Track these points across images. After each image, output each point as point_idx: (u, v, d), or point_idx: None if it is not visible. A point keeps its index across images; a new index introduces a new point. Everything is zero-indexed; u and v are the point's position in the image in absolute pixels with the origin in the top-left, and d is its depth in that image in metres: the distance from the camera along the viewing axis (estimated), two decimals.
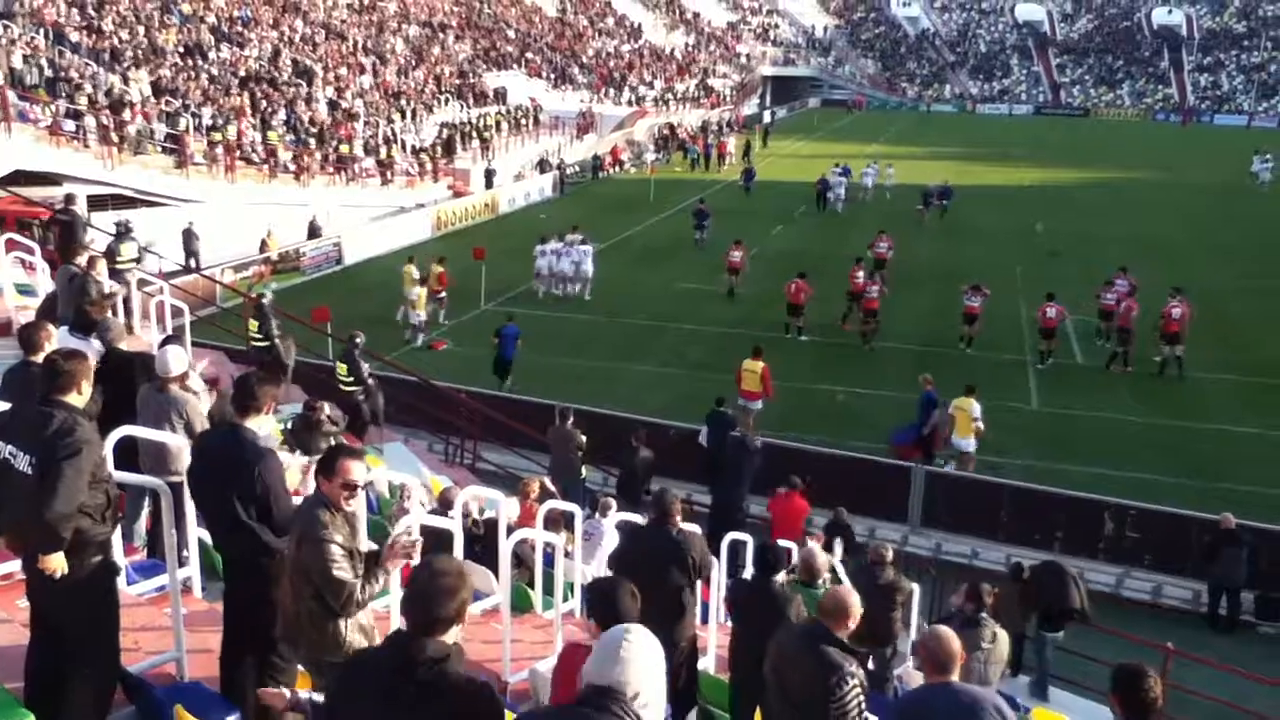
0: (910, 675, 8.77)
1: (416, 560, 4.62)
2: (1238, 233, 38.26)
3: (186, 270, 22.24)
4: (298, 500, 5.30)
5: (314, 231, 30.68)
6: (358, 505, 4.94)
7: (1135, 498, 15.48)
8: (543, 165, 46.88)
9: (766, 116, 76.97)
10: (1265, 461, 18.21)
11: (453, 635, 3.54)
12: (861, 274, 24.74)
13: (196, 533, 6.23)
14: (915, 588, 10.32)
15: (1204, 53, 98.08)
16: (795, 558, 9.39)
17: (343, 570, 4.55)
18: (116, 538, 5.32)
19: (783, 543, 10.29)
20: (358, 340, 14.58)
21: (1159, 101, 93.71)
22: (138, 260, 14.43)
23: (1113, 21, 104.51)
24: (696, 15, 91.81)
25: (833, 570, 9.77)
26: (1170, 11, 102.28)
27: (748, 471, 14.26)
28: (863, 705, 5.05)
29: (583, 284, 27.51)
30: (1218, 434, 19.25)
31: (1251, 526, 14.16)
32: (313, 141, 34.26)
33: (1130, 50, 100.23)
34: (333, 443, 9.89)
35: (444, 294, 24.69)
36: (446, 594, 3.53)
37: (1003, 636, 7.25)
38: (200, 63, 34.56)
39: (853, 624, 5.22)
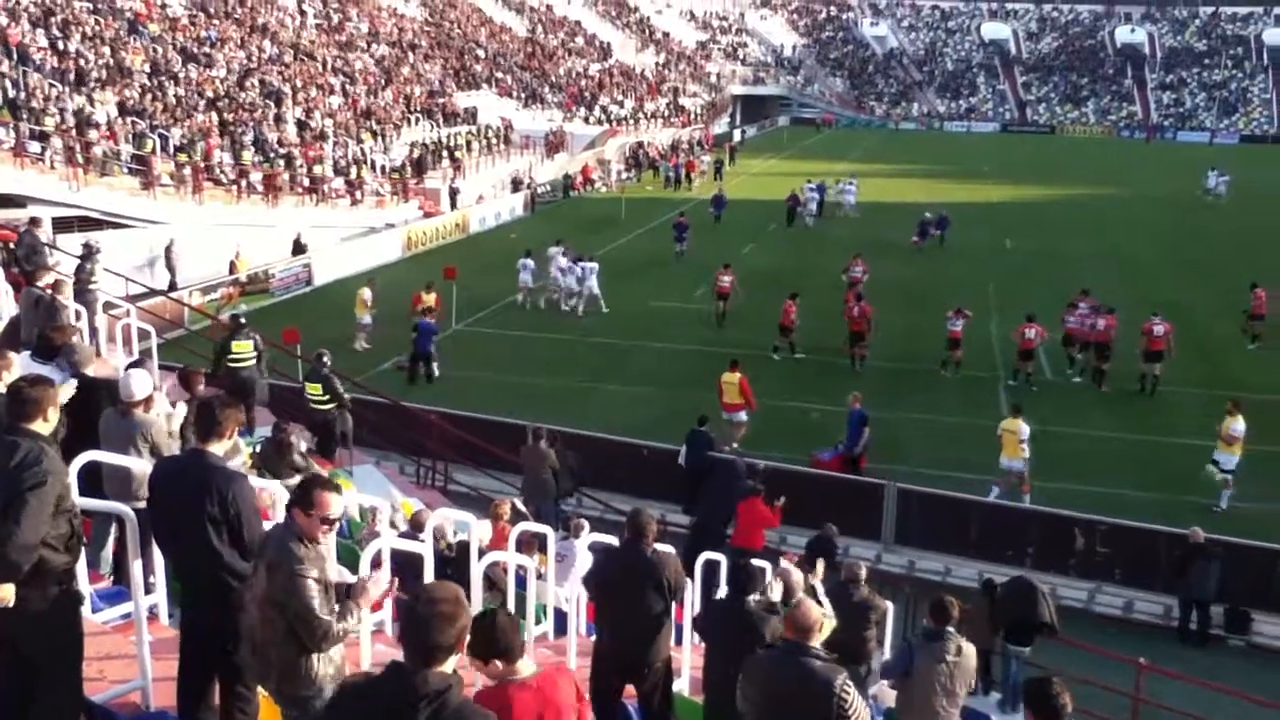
0: (885, 694, 8.76)
1: (387, 598, 4.56)
2: (1202, 247, 38.77)
3: (154, 292, 22.03)
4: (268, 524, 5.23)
5: (299, 248, 31.01)
6: (330, 536, 4.88)
7: (1105, 513, 15.58)
8: (515, 184, 46.89)
9: (737, 135, 77.36)
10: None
11: (452, 664, 3.48)
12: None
13: (162, 559, 6.14)
14: (889, 606, 10.32)
15: (1166, 70, 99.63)
16: (770, 576, 9.38)
17: (320, 608, 4.47)
18: (81, 565, 5.24)
19: (756, 562, 10.27)
20: (325, 359, 14.50)
21: (1123, 119, 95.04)
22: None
23: (1077, 40, 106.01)
24: (666, 35, 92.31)
25: (812, 590, 9.76)
26: (1133, 30, 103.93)
27: (735, 494, 14.20)
28: (864, 704, 5.10)
29: (588, 299, 27.81)
30: (1185, 448, 19.40)
31: (1220, 540, 14.28)
32: (282, 162, 34.09)
33: (1094, 68, 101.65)
34: (303, 467, 9.84)
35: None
36: (445, 620, 3.47)
37: (969, 650, 7.25)
38: (167, 83, 34.34)
39: (824, 633, 5.25)
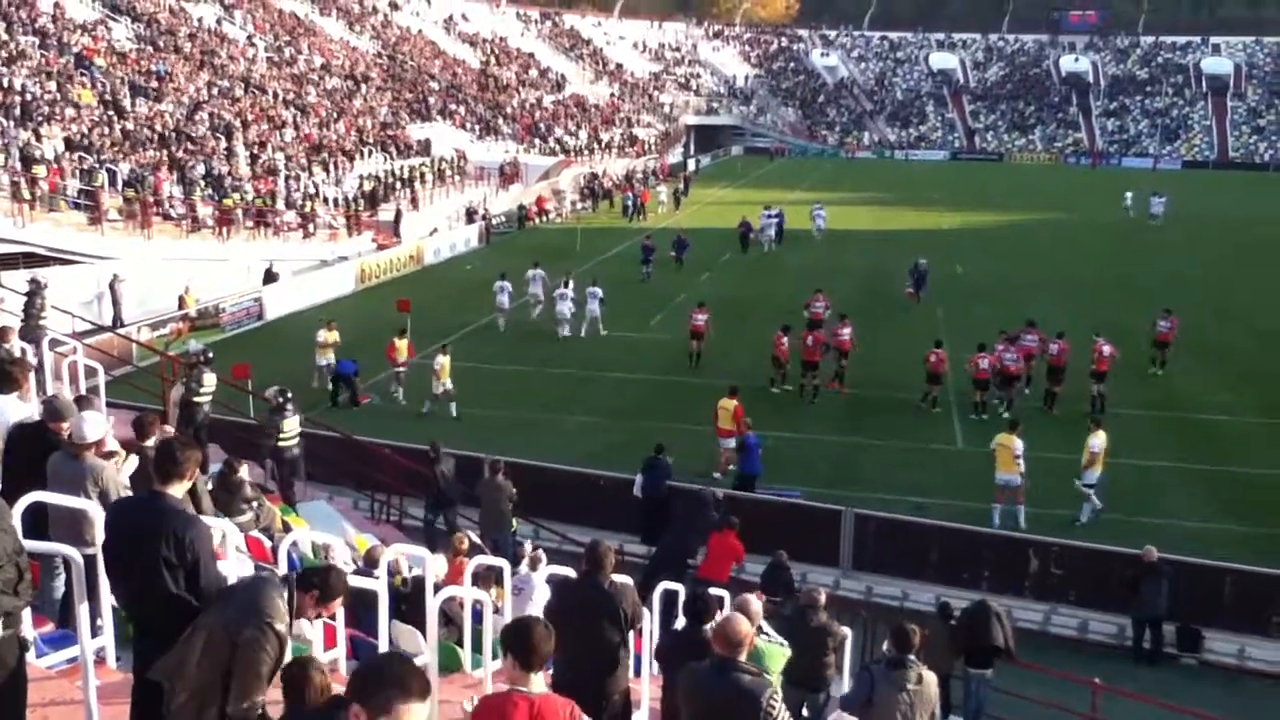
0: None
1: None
2: (1142, 269, 39.51)
3: (101, 328, 21.73)
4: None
5: (270, 278, 31.46)
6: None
7: (1058, 535, 15.76)
8: (470, 216, 46.86)
9: (691, 165, 77.92)
10: (1179, 493, 18.72)
11: None
12: (847, 330, 24.14)
13: (110, 601, 6.03)
14: (848, 632, 10.35)
15: (1110, 98, 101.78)
16: (727, 606, 9.38)
17: (264, 676, 4.44)
18: (26, 610, 5.14)
19: (714, 590, 10.27)
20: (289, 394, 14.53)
21: (1069, 146, 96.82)
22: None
23: (1023, 69, 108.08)
24: (620, 66, 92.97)
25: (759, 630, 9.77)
26: (1077, 59, 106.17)
27: (706, 524, 14.19)
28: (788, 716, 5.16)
29: (589, 322, 28.74)
30: (1134, 468, 19.72)
31: (1169, 559, 14.49)
32: (233, 197, 33.82)
33: (1040, 96, 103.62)
34: (254, 504, 9.72)
35: (400, 370, 22.96)
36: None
37: (929, 678, 7.29)
38: (116, 118, 34.02)
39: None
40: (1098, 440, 17.38)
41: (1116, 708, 11.65)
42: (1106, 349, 22.61)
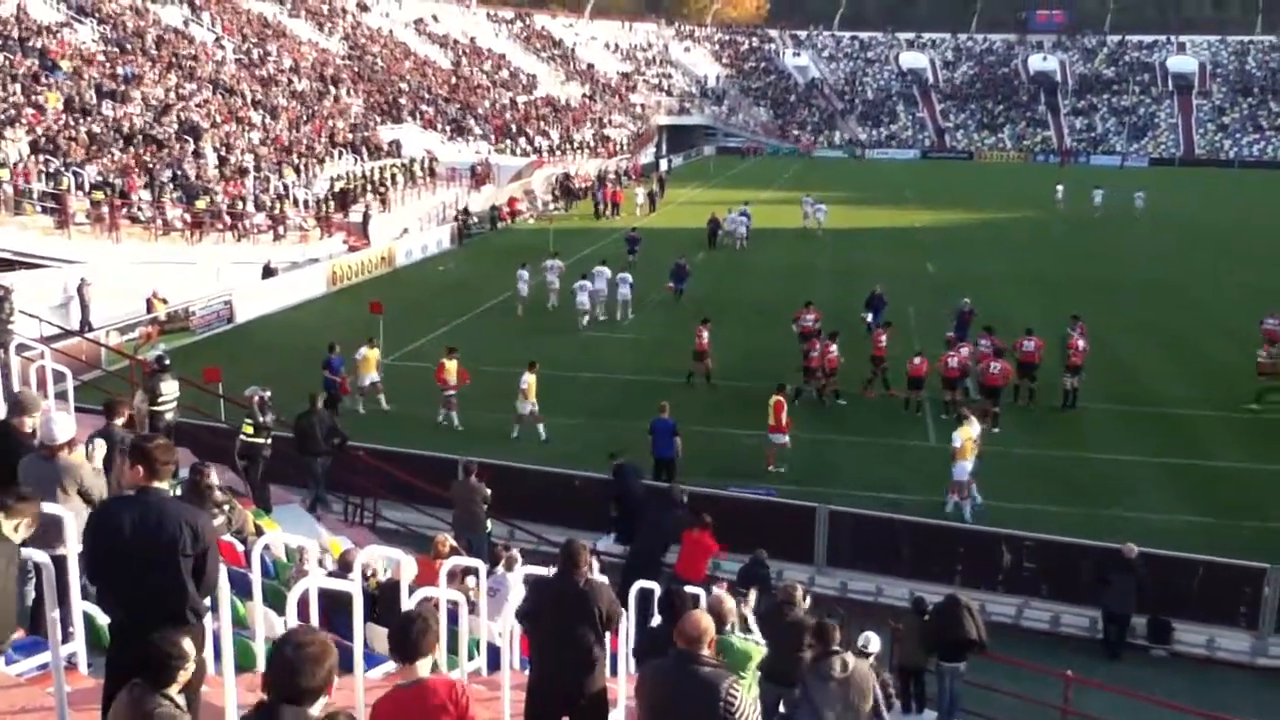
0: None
1: None
2: (1111, 267, 39.90)
3: (69, 333, 21.50)
4: None
5: (269, 273, 32.32)
6: None
7: (1029, 529, 15.90)
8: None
9: (664, 165, 77.96)
10: (1147, 487, 18.94)
11: (319, 708, 3.48)
12: (884, 338, 23.76)
13: (81, 606, 5.98)
14: None
15: (1078, 97, 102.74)
16: (703, 602, 9.40)
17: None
18: None
19: (689, 589, 10.29)
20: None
21: (1038, 144, 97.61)
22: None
23: (992, 68, 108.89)
24: (591, 66, 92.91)
25: (743, 619, 9.80)
26: (1045, 58, 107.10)
27: (678, 523, 14.19)
28: (755, 706, 5.16)
29: (621, 306, 30.49)
30: (1103, 462, 19.94)
31: (1140, 552, 14.63)
32: (203, 199, 33.55)
33: (1009, 95, 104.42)
34: (225, 508, 9.66)
35: (451, 393, 21.48)
36: (312, 663, 3.47)
37: (858, 665, 7.39)
38: (82, 120, 33.67)
39: (709, 640, 5.32)
40: (958, 434, 17.50)
41: (1089, 699, 11.78)
42: (1081, 343, 22.84)
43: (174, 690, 4.35)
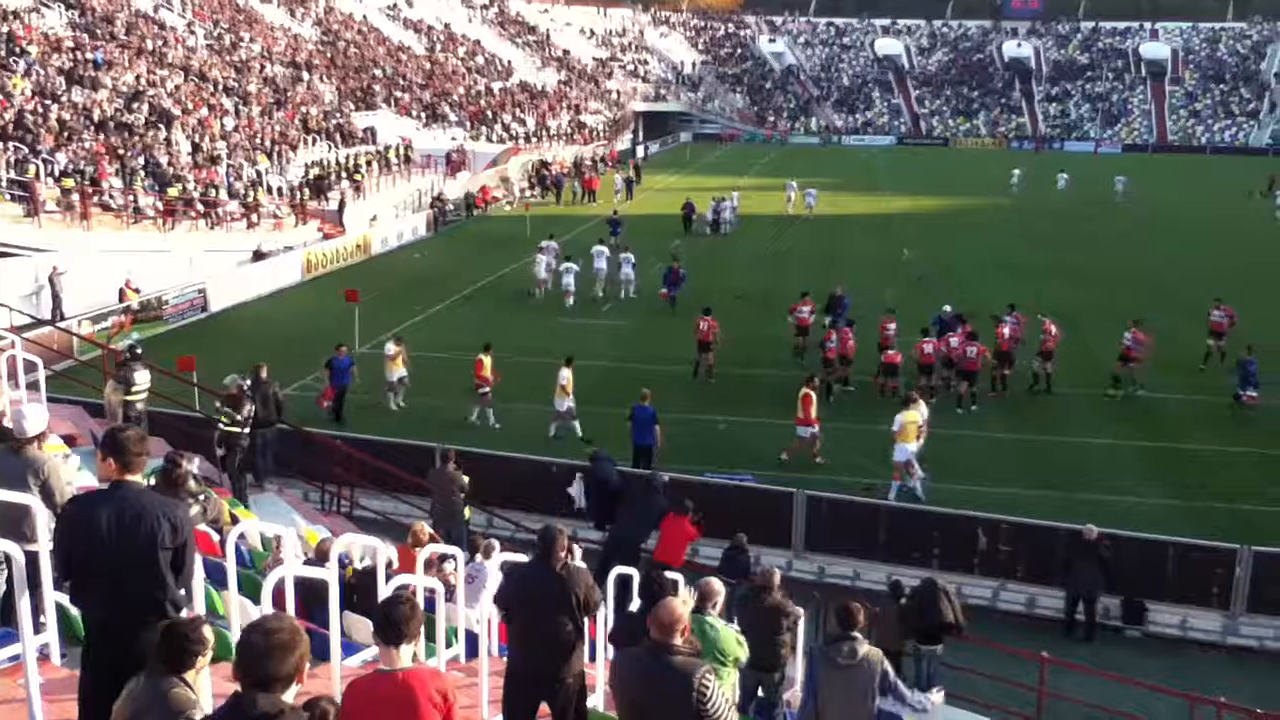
0: (798, 700, 8.85)
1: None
2: (1084, 253, 40.14)
3: (40, 322, 21.27)
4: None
5: (259, 256, 32.96)
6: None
7: (1004, 512, 16.01)
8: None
9: (640, 151, 77.78)
10: (1119, 470, 19.12)
11: (291, 694, 3.46)
12: (893, 326, 23.53)
13: (54, 597, 5.91)
14: (801, 612, 10.43)
15: (1052, 83, 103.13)
16: (681, 588, 9.41)
17: None
18: None
19: (669, 574, 10.30)
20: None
21: (1013, 130, 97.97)
22: None
23: (966, 55, 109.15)
24: (567, 52, 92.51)
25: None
26: (1019, 45, 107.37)
27: (654, 510, 14.19)
28: (729, 699, 5.16)
29: (625, 284, 31.47)
30: (1076, 446, 20.12)
31: (1112, 534, 14.79)
32: (176, 187, 33.21)
33: (984, 82, 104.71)
34: (200, 497, 9.58)
35: (488, 390, 20.91)
36: (282, 650, 3.44)
37: (872, 654, 7.36)
38: (51, 106, 33.23)
39: (683, 628, 5.28)
40: (898, 418, 17.65)
41: (1064, 680, 11.89)
42: (1054, 329, 23.06)
43: (190, 675, 4.33)
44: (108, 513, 5.03)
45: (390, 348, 21.85)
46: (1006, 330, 23.01)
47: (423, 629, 7.82)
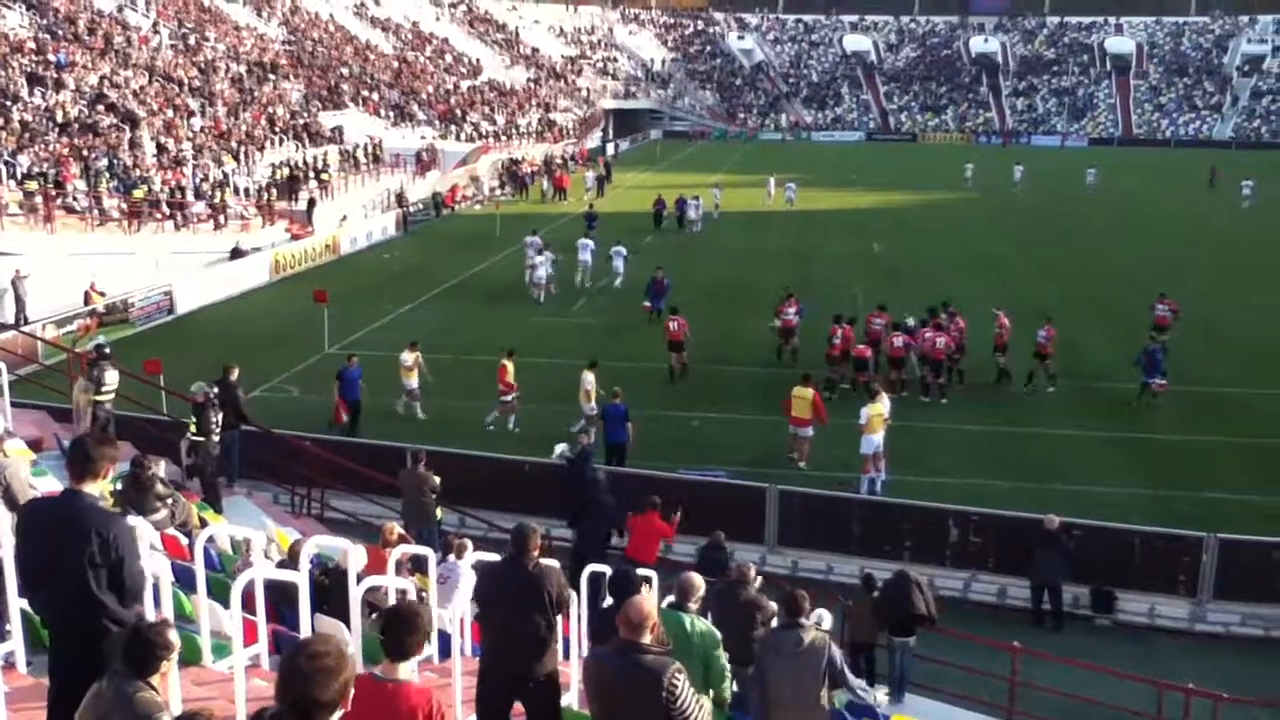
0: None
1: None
2: (1055, 249, 40.49)
3: (4, 326, 20.99)
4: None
5: (238, 253, 33.03)
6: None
7: (975, 504, 16.12)
8: (399, 200, 46.45)
9: (610, 149, 77.68)
10: (1088, 461, 19.31)
11: None
12: (880, 320, 23.59)
13: (19, 604, 5.84)
14: (775, 607, 10.46)
15: (1019, 78, 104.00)
16: (655, 585, 9.42)
17: None
18: None
19: (642, 571, 10.30)
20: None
21: (981, 125, 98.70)
22: None
23: (934, 50, 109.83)
24: (535, 50, 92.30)
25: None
26: (986, 40, 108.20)
27: (622, 507, 14.15)
28: (698, 696, 5.21)
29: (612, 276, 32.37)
30: (1045, 437, 20.30)
31: (1078, 524, 14.93)
32: (141, 189, 32.86)
33: (952, 77, 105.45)
34: (168, 501, 9.50)
35: (511, 397, 20.68)
36: (327, 675, 3.35)
37: (814, 639, 7.37)
38: (13, 108, 32.82)
39: (652, 626, 5.28)
40: (869, 409, 17.71)
41: (1036, 670, 11.98)
42: (1006, 321, 23.19)
43: (155, 679, 4.27)
44: (49, 522, 4.95)
45: (406, 356, 21.17)
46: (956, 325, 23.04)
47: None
